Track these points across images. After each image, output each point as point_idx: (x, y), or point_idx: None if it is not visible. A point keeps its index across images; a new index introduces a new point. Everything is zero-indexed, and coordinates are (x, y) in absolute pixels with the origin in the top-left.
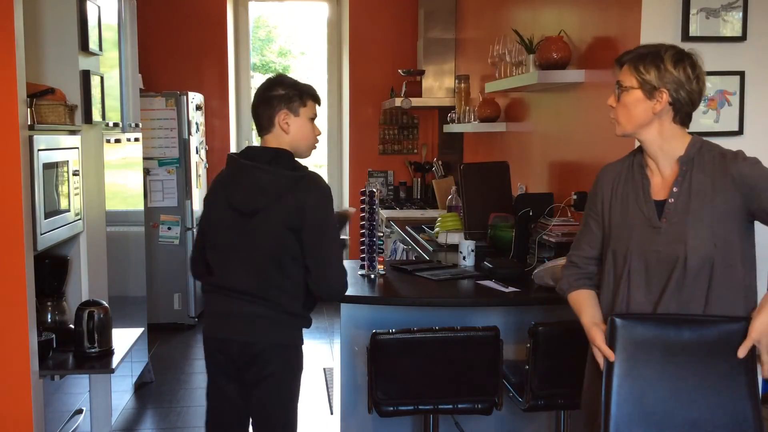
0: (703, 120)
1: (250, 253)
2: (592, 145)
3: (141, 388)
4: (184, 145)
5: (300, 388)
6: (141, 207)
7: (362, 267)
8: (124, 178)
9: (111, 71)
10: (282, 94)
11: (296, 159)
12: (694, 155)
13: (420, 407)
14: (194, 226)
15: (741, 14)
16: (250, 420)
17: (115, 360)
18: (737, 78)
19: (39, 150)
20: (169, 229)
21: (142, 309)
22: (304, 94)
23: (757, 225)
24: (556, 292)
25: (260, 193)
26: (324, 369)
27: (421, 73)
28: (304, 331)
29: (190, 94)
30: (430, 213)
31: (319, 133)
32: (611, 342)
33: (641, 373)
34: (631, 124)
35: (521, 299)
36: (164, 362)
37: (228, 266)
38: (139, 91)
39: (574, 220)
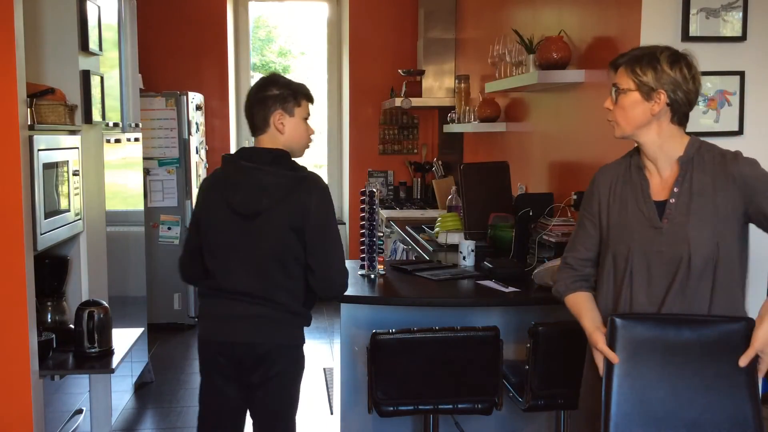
0: (703, 120)
1: (253, 254)
2: (592, 145)
3: (141, 388)
4: (184, 145)
5: (301, 388)
6: (141, 207)
7: (362, 267)
8: (124, 178)
9: (111, 71)
10: (277, 94)
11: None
12: (693, 155)
13: (420, 407)
14: None
15: (741, 14)
16: (250, 421)
17: (115, 360)
18: (737, 78)
19: (39, 150)
20: (169, 229)
21: (142, 309)
22: (299, 94)
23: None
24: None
25: (263, 195)
26: (324, 369)
27: (421, 73)
28: (305, 330)
29: (190, 94)
30: (430, 213)
31: (313, 133)
32: (611, 342)
33: (641, 373)
34: (630, 125)
35: (521, 299)
36: (164, 362)
37: (230, 269)
38: (139, 91)
39: (574, 220)
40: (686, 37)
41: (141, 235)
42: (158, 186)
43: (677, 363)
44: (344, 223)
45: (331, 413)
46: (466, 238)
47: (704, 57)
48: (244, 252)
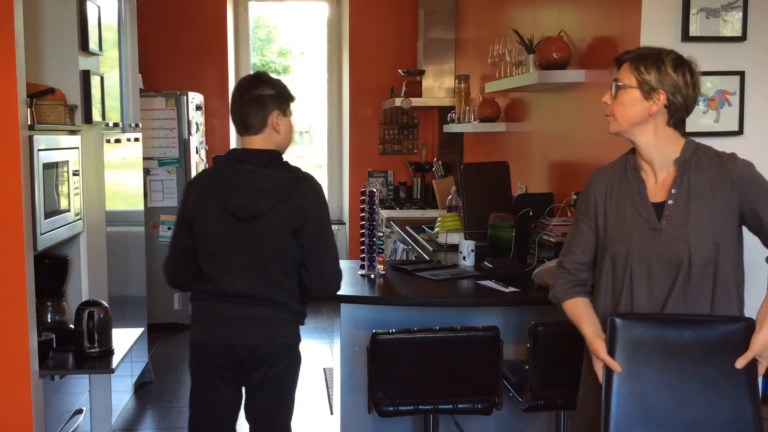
0: (703, 120)
1: (254, 257)
2: (592, 145)
3: (141, 388)
4: (184, 145)
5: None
6: (141, 207)
7: (362, 267)
8: (124, 178)
9: (111, 71)
10: (273, 95)
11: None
12: (690, 157)
13: (420, 407)
14: None
15: (741, 14)
16: (248, 422)
17: (115, 360)
18: (737, 78)
19: (39, 150)
20: (169, 229)
21: (142, 309)
22: (289, 94)
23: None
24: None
25: (261, 198)
26: (324, 369)
27: (421, 73)
28: (305, 330)
29: (190, 94)
30: (430, 213)
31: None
32: (611, 342)
33: (641, 373)
34: (627, 122)
35: (521, 299)
36: (164, 362)
37: (229, 272)
38: (139, 91)
39: None
40: (686, 37)
41: (141, 235)
42: (158, 186)
43: (677, 363)
44: (344, 223)
45: (331, 413)
46: (466, 238)
47: (704, 57)
48: (244, 255)
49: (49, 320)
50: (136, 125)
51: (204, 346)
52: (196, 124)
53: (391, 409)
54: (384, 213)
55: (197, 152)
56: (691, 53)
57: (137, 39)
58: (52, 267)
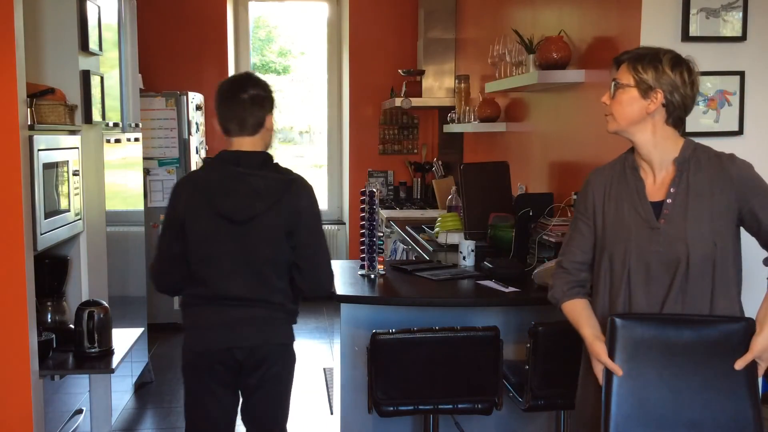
0: (703, 120)
1: (250, 259)
2: (592, 145)
3: (141, 388)
4: (184, 145)
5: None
6: (141, 207)
7: (362, 267)
8: (124, 178)
9: (111, 71)
10: (267, 96)
11: None
12: (689, 156)
13: (420, 407)
14: None
15: (741, 14)
16: (246, 424)
17: (115, 360)
18: (737, 78)
19: (39, 150)
20: None
21: (142, 309)
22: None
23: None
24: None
25: (257, 200)
26: (324, 369)
27: (421, 73)
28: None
29: (190, 94)
30: (430, 213)
31: None
32: (611, 342)
33: (641, 373)
34: (625, 120)
35: (521, 299)
36: (164, 362)
37: (224, 275)
38: (139, 91)
39: None
40: (686, 37)
41: (141, 235)
42: (158, 186)
43: (677, 363)
44: (344, 223)
45: (331, 413)
46: (466, 238)
47: (704, 57)
48: (240, 257)
49: (49, 320)
50: (136, 125)
51: (201, 351)
52: (196, 124)
53: (391, 409)
54: (384, 213)
55: (197, 152)
56: (691, 53)
57: (137, 39)
58: (52, 267)
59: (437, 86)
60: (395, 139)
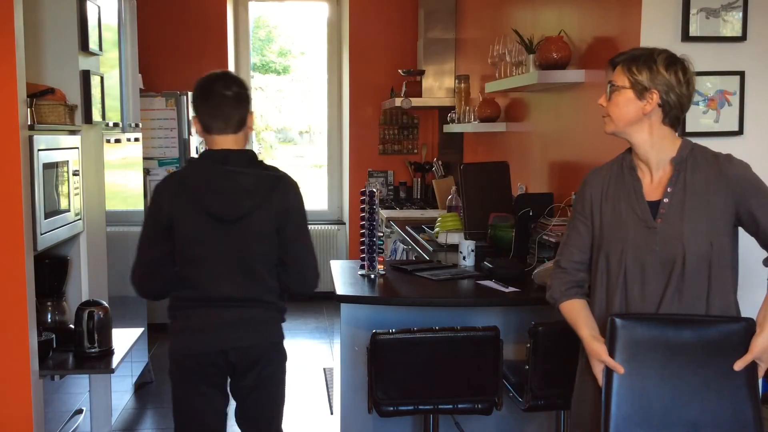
0: (703, 120)
1: (241, 258)
2: (592, 145)
3: (141, 388)
4: (184, 145)
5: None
6: (141, 207)
7: (362, 267)
8: (124, 178)
9: (111, 71)
10: (247, 94)
11: None
12: (686, 156)
13: (420, 407)
14: None
15: (741, 14)
16: (241, 426)
17: (115, 360)
18: (737, 78)
19: (39, 150)
20: None
21: (142, 309)
22: None
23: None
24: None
25: (246, 198)
26: (324, 369)
27: (421, 73)
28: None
29: (191, 94)
30: (430, 213)
31: None
32: (611, 342)
33: (641, 373)
34: (622, 122)
35: (521, 299)
36: (164, 362)
37: (215, 276)
38: (139, 91)
39: None
40: (686, 37)
41: None
42: None
43: (677, 363)
44: (344, 223)
45: (331, 413)
46: (466, 238)
47: (704, 57)
48: (230, 257)
49: (49, 320)
50: (136, 125)
51: (192, 354)
52: None
53: (391, 409)
54: (384, 213)
55: (197, 152)
56: (691, 53)
57: (137, 39)
58: (52, 267)
59: (437, 86)
60: (395, 139)
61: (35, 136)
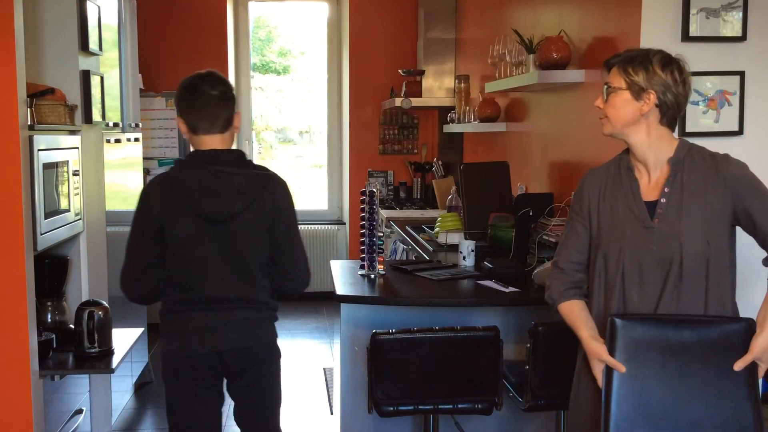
0: (703, 120)
1: (234, 259)
2: (592, 145)
3: (141, 388)
4: (184, 145)
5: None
6: None
7: (362, 267)
8: (124, 178)
9: (111, 71)
10: (233, 94)
11: None
12: (684, 156)
13: (420, 407)
14: None
15: (741, 14)
16: (240, 426)
17: (115, 360)
18: (737, 78)
19: (39, 150)
20: None
21: (142, 309)
22: None
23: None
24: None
25: (237, 198)
26: (324, 369)
27: (421, 73)
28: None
29: None
30: (430, 213)
31: None
32: (611, 342)
33: (641, 373)
34: (620, 123)
35: (521, 299)
36: None
37: (208, 278)
38: (139, 91)
39: None
40: (686, 37)
41: None
42: None
43: (677, 363)
44: (344, 223)
45: (331, 413)
46: (466, 238)
47: (704, 57)
48: (222, 258)
49: (49, 320)
50: (136, 125)
51: (186, 357)
52: None
53: (391, 409)
54: (384, 213)
55: None
56: (691, 53)
57: (137, 39)
58: (52, 267)
59: (437, 86)
60: (395, 139)
61: (35, 136)
